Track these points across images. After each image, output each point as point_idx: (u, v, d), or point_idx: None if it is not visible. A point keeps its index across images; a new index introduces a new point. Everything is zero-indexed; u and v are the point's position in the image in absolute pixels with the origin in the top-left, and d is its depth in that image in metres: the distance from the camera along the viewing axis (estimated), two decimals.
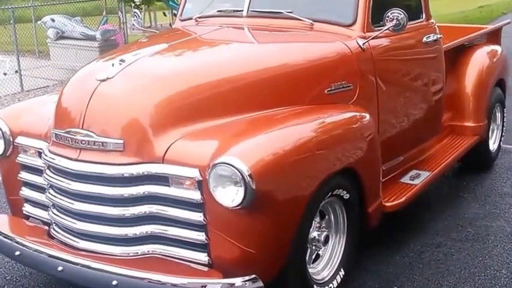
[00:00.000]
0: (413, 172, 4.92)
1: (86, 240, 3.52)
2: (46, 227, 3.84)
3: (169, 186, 3.32)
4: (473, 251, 4.53)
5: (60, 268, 3.42)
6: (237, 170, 3.07)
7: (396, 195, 4.47)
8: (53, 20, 13.74)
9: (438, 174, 5.01)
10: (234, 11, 4.68)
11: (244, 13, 4.59)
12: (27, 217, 4.06)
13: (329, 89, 4.02)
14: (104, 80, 3.51)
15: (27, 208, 4.02)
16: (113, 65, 3.60)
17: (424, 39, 4.88)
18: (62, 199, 3.56)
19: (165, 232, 3.38)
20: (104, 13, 15.99)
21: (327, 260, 3.86)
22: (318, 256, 3.82)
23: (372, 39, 4.26)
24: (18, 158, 3.95)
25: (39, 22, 14.35)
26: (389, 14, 4.19)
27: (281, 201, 3.27)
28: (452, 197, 5.55)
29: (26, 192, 3.99)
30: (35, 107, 4.18)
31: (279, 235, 3.32)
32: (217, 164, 3.12)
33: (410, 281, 4.12)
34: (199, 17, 4.82)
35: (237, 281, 3.17)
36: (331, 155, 3.60)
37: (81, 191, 3.45)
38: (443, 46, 5.42)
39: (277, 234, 3.31)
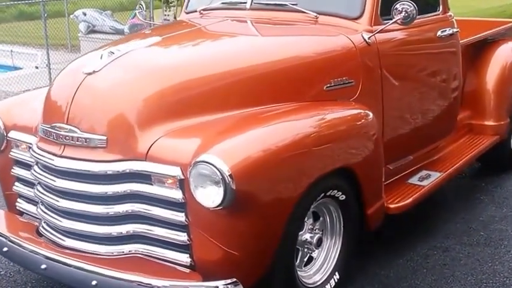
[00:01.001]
0: (424, 173, 4.72)
1: (71, 238, 3.44)
2: (37, 224, 3.77)
3: (152, 184, 3.21)
4: (483, 256, 4.32)
5: (43, 266, 3.36)
6: (217, 169, 2.95)
7: (402, 197, 4.28)
8: (84, 14, 13.86)
9: (450, 176, 4.79)
10: (238, 3, 4.54)
11: (248, 5, 4.45)
12: (22, 213, 4.00)
13: (328, 85, 3.85)
14: (90, 74, 3.41)
15: (20, 204, 3.96)
16: (101, 57, 3.51)
17: (439, 33, 4.66)
18: (48, 196, 3.49)
19: (148, 232, 3.28)
20: (137, 7, 16.03)
21: (321, 263, 3.71)
22: (311, 259, 3.68)
23: (378, 32, 4.08)
24: (10, 153, 3.89)
25: (71, 16, 14.44)
26: (397, 5, 3.99)
27: (265, 203, 3.13)
28: (468, 199, 5.33)
29: (18, 187, 3.93)
30: (29, 101, 4.11)
31: (264, 237, 3.19)
32: (197, 162, 3.00)
33: (412, 287, 3.94)
34: (203, 10, 4.70)
35: (217, 284, 3.05)
36: (324, 155, 3.43)
37: (65, 188, 3.37)
38: (463, 41, 5.21)
39: (261, 236, 3.17)
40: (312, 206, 3.48)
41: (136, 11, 5.34)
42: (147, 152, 3.21)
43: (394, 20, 4.00)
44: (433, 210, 5.05)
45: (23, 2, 14.83)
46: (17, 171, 3.90)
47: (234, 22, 4.38)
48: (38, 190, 3.59)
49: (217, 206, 3.00)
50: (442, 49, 4.74)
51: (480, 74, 5.73)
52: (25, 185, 3.88)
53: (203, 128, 3.31)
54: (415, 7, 3.94)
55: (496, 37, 6.02)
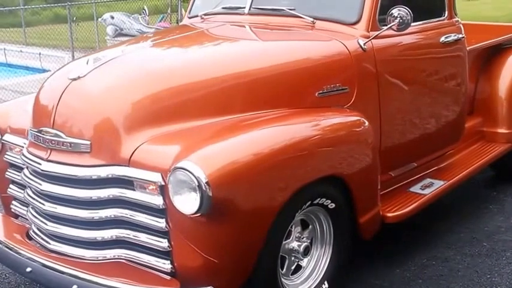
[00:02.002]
0: (427, 181, 4.63)
1: (58, 242, 3.45)
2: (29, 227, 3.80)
3: (134, 190, 3.21)
4: (483, 267, 4.21)
5: (29, 269, 3.37)
6: (194, 176, 2.92)
7: (401, 206, 4.20)
8: (112, 18, 13.98)
9: (454, 185, 4.68)
10: (237, 8, 4.52)
11: (246, 10, 4.43)
12: (17, 215, 4.03)
13: (321, 91, 3.80)
14: (75, 79, 3.42)
15: (15, 206, 3.99)
16: (87, 63, 3.52)
17: (442, 39, 4.56)
18: (35, 199, 3.51)
19: (131, 237, 3.27)
20: (169, 10, 16.14)
21: (310, 271, 3.65)
22: (300, 267, 3.63)
23: (374, 38, 4.01)
24: (5, 156, 3.93)
25: (100, 19, 14.60)
26: (393, 11, 3.93)
27: (245, 211, 3.09)
28: (476, 208, 5.22)
29: (13, 190, 3.96)
30: (24, 104, 4.13)
31: (244, 245, 3.15)
32: (175, 169, 2.98)
33: None
34: (204, 14, 4.69)
35: None
36: (309, 163, 3.37)
37: (50, 192, 3.38)
38: (472, 46, 5.11)
39: (241, 244, 3.13)
40: (298, 215, 3.43)
41: (140, 16, 5.30)
42: (130, 157, 3.20)
43: (388, 26, 3.93)
44: (438, 219, 4.96)
45: (52, 5, 15.01)
46: (11, 174, 3.93)
47: (229, 27, 4.36)
48: (27, 193, 3.61)
49: (195, 213, 2.97)
50: (446, 55, 4.64)
51: (493, 80, 5.60)
52: (19, 188, 3.91)
53: (187, 134, 3.29)
54: (410, 13, 3.87)
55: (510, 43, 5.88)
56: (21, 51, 15.12)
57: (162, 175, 3.08)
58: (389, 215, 4.06)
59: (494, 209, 5.20)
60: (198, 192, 2.92)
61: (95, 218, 3.29)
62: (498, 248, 4.48)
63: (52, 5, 15.92)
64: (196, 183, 2.92)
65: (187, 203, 2.98)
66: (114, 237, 3.28)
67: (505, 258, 4.33)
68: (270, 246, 3.25)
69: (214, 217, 3.00)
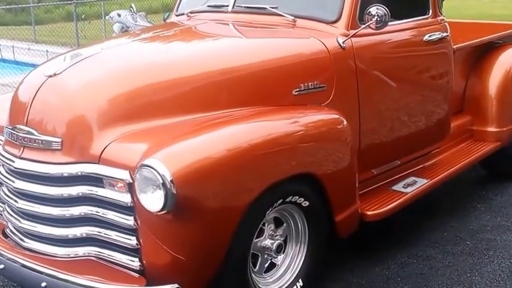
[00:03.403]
0: (410, 179, 4.61)
1: (31, 239, 3.47)
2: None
3: (104, 187, 3.22)
4: (464, 266, 4.19)
5: (1, 266, 3.39)
6: (159, 173, 2.93)
7: (382, 204, 4.19)
8: (119, 15, 13.98)
9: (437, 183, 4.65)
10: (221, 6, 4.52)
11: (229, 8, 4.44)
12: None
13: (297, 89, 3.79)
14: (51, 76, 3.45)
15: None
16: (64, 59, 3.54)
17: (426, 37, 4.54)
18: (9, 197, 3.53)
19: (101, 235, 3.28)
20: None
21: (285, 269, 3.65)
22: (274, 265, 3.63)
23: (353, 37, 4.00)
24: None
25: (107, 17, 14.68)
26: (371, 10, 3.92)
27: (211, 209, 3.09)
28: (463, 206, 5.20)
29: None
30: (7, 101, 4.16)
31: (210, 243, 3.15)
32: (141, 166, 3.00)
33: None
34: (190, 12, 4.70)
35: None
36: (279, 161, 3.36)
37: (23, 189, 3.41)
38: (458, 45, 5.08)
39: (208, 242, 3.13)
40: (269, 213, 3.42)
41: (129, 14, 5.32)
42: (100, 154, 3.22)
43: (366, 24, 3.92)
44: (424, 217, 4.94)
45: (59, 3, 15.11)
46: None
47: (211, 25, 4.37)
48: (3, 191, 3.64)
49: (161, 211, 2.98)
50: (430, 53, 4.62)
51: (483, 78, 5.57)
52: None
53: (158, 132, 3.29)
54: (387, 12, 3.86)
55: (505, 40, 5.83)
56: (29, 48, 15.26)
57: (130, 173, 3.09)
58: (369, 213, 4.05)
59: (481, 208, 5.17)
60: (163, 189, 2.93)
61: (66, 215, 3.30)
62: (481, 247, 4.46)
63: (59, 2, 16.02)
64: (161, 181, 2.93)
65: (153, 201, 2.99)
66: (84, 234, 3.29)
67: (487, 257, 4.31)
68: (239, 244, 3.25)
69: (180, 215, 3.00)
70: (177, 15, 4.91)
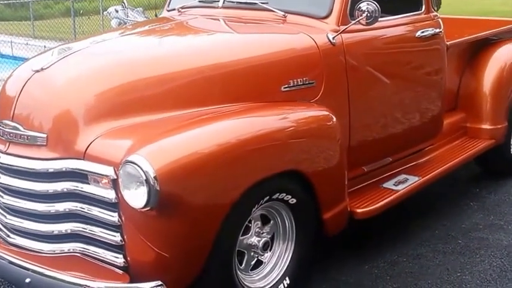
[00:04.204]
0: (402, 177, 4.58)
1: (17, 235, 3.44)
2: None
3: (88, 183, 3.20)
4: (454, 265, 4.16)
5: None
6: (142, 170, 2.91)
7: (372, 201, 4.16)
8: (116, 11, 13.95)
9: (429, 181, 4.61)
10: (212, 1, 4.49)
11: (220, 3, 4.41)
12: None
13: (286, 85, 3.75)
14: (38, 71, 3.42)
15: None
16: (51, 54, 3.52)
17: (418, 33, 4.51)
18: None
19: (86, 231, 3.26)
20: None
21: (271, 267, 3.62)
22: (261, 262, 3.60)
23: (343, 32, 3.97)
24: None
25: (105, 13, 14.66)
26: (361, 5, 3.89)
27: (195, 206, 3.07)
28: (457, 205, 5.16)
29: None
30: None
31: (194, 240, 3.12)
32: (125, 162, 2.97)
33: None
34: (181, 7, 4.66)
35: (143, 286, 3.03)
36: (265, 158, 3.33)
37: (8, 185, 3.38)
38: (452, 42, 5.04)
39: (192, 239, 3.11)
40: (255, 210, 3.39)
41: (120, 9, 5.29)
42: (85, 150, 3.19)
43: (356, 20, 3.89)
44: (416, 215, 4.91)
45: None
46: None
47: (201, 20, 4.34)
48: None
49: (144, 207, 2.95)
50: (422, 49, 4.58)
51: (478, 75, 5.53)
52: None
53: (144, 128, 3.26)
54: (378, 7, 3.82)
55: (502, 37, 5.79)
56: (27, 43, 15.25)
57: (114, 169, 3.06)
58: (358, 210, 4.02)
59: (474, 206, 5.13)
60: (146, 186, 2.91)
61: (51, 211, 3.29)
62: (473, 246, 4.43)
63: None
64: (144, 178, 2.90)
65: (137, 197, 2.97)
66: (69, 231, 3.28)
67: (479, 256, 4.28)
68: (225, 241, 3.23)
69: (164, 211, 2.98)
70: (168, 11, 4.87)
